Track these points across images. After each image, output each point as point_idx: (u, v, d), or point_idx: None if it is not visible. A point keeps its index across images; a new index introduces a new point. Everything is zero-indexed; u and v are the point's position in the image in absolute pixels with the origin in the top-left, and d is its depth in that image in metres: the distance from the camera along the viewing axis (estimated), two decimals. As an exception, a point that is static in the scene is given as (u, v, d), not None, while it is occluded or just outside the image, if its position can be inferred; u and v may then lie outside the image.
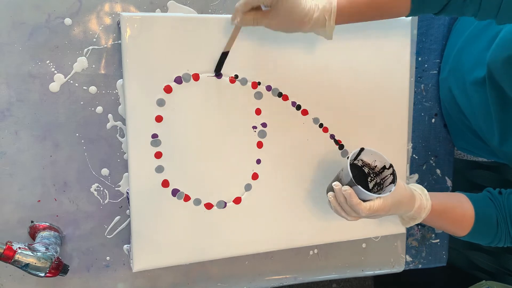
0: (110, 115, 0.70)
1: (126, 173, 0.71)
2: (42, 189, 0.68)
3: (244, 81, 0.72)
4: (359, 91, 0.80)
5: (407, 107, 0.84)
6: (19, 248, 0.58)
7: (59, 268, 0.62)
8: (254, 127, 0.74)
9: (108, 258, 0.73)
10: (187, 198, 0.72)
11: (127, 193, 0.71)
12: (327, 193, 0.68)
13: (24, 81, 0.65)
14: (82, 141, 0.69)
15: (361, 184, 0.63)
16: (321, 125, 0.78)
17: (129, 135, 0.67)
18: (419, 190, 0.70)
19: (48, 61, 0.66)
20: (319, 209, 0.80)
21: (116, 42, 0.69)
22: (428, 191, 0.71)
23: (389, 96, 0.82)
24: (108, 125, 0.70)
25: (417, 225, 0.98)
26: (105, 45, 0.68)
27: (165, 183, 0.70)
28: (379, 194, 0.64)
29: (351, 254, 0.89)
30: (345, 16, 0.62)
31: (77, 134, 0.68)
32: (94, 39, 0.68)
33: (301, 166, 0.78)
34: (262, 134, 0.75)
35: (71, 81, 0.67)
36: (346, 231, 0.84)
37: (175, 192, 0.71)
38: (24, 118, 0.66)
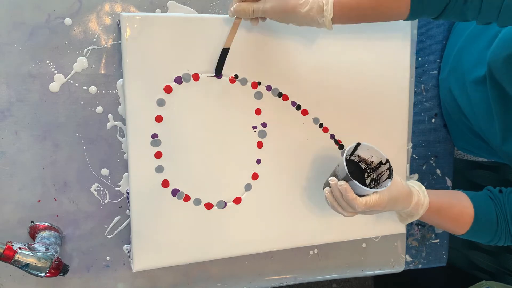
0: (110, 115, 0.70)
1: (126, 173, 0.71)
2: (42, 189, 0.68)
3: (244, 81, 0.72)
4: (359, 91, 0.80)
5: (407, 107, 0.84)
6: (19, 248, 0.58)
7: (59, 268, 0.62)
8: (254, 127, 0.74)
9: (108, 258, 0.73)
10: (187, 198, 0.72)
11: (127, 193, 0.71)
12: (324, 189, 0.68)
13: (24, 81, 0.65)
14: (82, 141, 0.69)
15: (358, 180, 0.62)
16: (321, 125, 0.78)
17: (129, 135, 0.67)
18: (417, 187, 0.70)
19: (48, 61, 0.66)
20: (319, 209, 0.80)
21: (116, 42, 0.69)
22: None
23: (389, 96, 0.82)
24: (108, 125, 0.70)
25: (417, 225, 0.98)
26: (105, 45, 0.68)
27: (165, 183, 0.70)
28: (375, 189, 0.64)
29: (351, 254, 0.89)
30: (345, 9, 0.60)
31: (77, 134, 0.68)
32: (94, 39, 0.68)
33: (301, 166, 0.78)
34: (262, 134, 0.75)
35: (71, 81, 0.67)
36: (346, 231, 0.84)
37: (175, 192, 0.71)
38: (24, 118, 0.66)
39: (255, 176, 0.76)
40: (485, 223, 0.70)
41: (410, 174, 0.94)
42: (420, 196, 0.69)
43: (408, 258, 0.97)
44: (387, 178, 0.66)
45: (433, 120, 0.95)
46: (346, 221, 0.82)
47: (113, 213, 0.72)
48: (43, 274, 0.59)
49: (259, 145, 0.75)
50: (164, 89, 0.68)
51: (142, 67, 0.66)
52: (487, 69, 0.73)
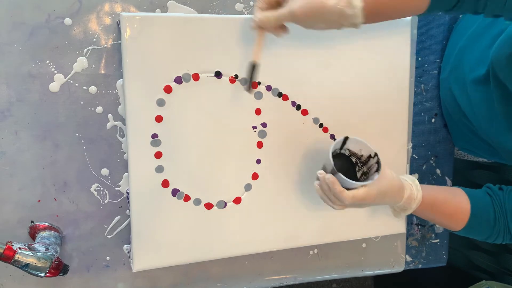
0: (110, 115, 0.70)
1: (126, 173, 0.71)
2: (42, 189, 0.68)
3: (244, 81, 0.72)
4: (359, 91, 0.80)
5: (407, 107, 0.84)
6: (19, 248, 0.58)
7: (59, 268, 0.62)
8: (254, 127, 0.74)
9: (108, 258, 0.73)
10: (187, 198, 0.72)
11: (127, 193, 0.71)
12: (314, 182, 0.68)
13: (24, 81, 0.65)
14: (82, 141, 0.69)
15: (349, 173, 0.62)
16: (321, 125, 0.78)
17: (129, 135, 0.67)
18: (410, 181, 0.69)
19: (48, 61, 0.66)
20: (319, 209, 0.80)
21: (116, 42, 0.69)
22: None
23: (389, 96, 0.82)
24: (108, 125, 0.70)
25: (417, 225, 0.98)
26: (105, 45, 0.68)
27: (165, 183, 0.70)
28: (362, 182, 0.63)
29: (351, 254, 0.89)
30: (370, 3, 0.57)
31: (77, 134, 0.68)
32: (94, 39, 0.68)
33: (301, 166, 0.78)
34: (262, 134, 0.75)
35: (71, 81, 0.67)
36: (346, 231, 0.84)
37: (175, 192, 0.71)
38: (24, 118, 0.66)
39: (255, 176, 0.76)
40: (482, 220, 0.69)
41: (410, 174, 0.94)
42: (413, 190, 0.68)
43: (408, 258, 0.97)
44: (375, 172, 0.66)
45: (433, 120, 0.95)
46: (346, 221, 0.82)
47: (113, 213, 0.72)
48: (43, 274, 0.59)
49: (259, 145, 0.75)
50: (164, 89, 0.68)
51: (142, 67, 0.66)
52: (490, 67, 0.72)
